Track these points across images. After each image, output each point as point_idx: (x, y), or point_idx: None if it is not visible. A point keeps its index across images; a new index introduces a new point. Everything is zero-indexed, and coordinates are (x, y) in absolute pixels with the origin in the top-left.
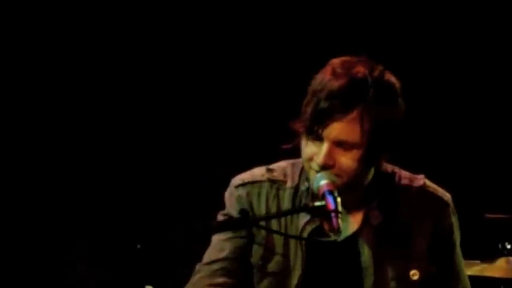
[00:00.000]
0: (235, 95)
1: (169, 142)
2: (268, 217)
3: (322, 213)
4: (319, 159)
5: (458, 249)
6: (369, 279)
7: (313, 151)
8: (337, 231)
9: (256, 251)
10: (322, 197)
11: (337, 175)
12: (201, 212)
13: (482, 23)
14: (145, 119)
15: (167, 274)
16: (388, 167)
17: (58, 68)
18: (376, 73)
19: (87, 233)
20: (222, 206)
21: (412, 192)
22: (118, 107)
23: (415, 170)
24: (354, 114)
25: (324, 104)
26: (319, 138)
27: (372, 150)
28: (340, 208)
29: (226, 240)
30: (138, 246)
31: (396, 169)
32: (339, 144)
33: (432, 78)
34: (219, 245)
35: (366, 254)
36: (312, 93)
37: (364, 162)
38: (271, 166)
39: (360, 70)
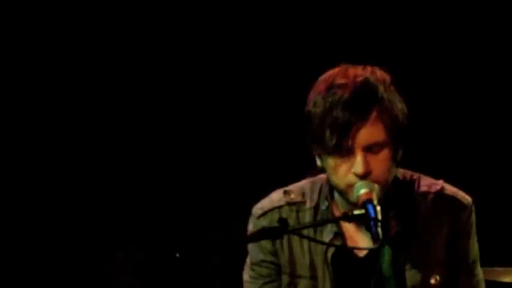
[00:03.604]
0: (244, 99)
1: (204, 150)
2: (302, 227)
3: (362, 222)
4: (359, 169)
5: (473, 255)
6: None
7: (346, 168)
8: (377, 239)
9: (282, 280)
10: (362, 206)
11: (375, 182)
12: (237, 221)
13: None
14: (179, 128)
15: (203, 283)
16: (408, 175)
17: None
18: (369, 71)
19: (125, 242)
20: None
21: (430, 197)
22: (153, 116)
23: (435, 175)
24: (374, 115)
25: (343, 117)
26: (348, 152)
27: (396, 146)
28: (380, 217)
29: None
30: (177, 255)
31: (416, 176)
32: (369, 149)
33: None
34: None
35: (385, 263)
36: (323, 114)
37: (394, 161)
38: (289, 188)
39: (357, 73)
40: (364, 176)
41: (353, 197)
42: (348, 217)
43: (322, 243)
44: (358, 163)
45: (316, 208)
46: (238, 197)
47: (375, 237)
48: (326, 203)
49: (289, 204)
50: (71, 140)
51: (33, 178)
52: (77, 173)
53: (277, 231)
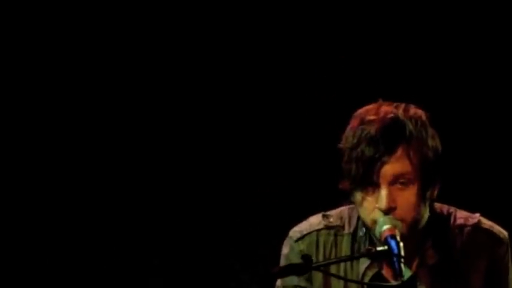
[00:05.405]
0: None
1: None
2: (329, 262)
3: (385, 258)
4: (383, 204)
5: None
6: None
7: (372, 203)
8: (400, 276)
9: None
10: (385, 242)
11: (400, 219)
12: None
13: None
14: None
15: None
16: (444, 208)
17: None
18: (402, 109)
19: (152, 275)
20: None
21: (467, 230)
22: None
23: (468, 204)
24: (399, 152)
25: (369, 152)
26: (373, 187)
27: (426, 183)
28: (402, 253)
29: None
30: None
31: (452, 209)
32: (395, 184)
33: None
34: None
35: None
36: (351, 149)
37: (422, 198)
38: (328, 212)
39: (388, 110)
40: (388, 212)
41: (376, 232)
42: (371, 254)
43: (347, 279)
44: (382, 198)
45: (354, 234)
46: (266, 230)
47: (397, 274)
48: (364, 230)
49: (328, 227)
50: (98, 167)
51: (52, 204)
52: (98, 202)
53: (303, 267)
